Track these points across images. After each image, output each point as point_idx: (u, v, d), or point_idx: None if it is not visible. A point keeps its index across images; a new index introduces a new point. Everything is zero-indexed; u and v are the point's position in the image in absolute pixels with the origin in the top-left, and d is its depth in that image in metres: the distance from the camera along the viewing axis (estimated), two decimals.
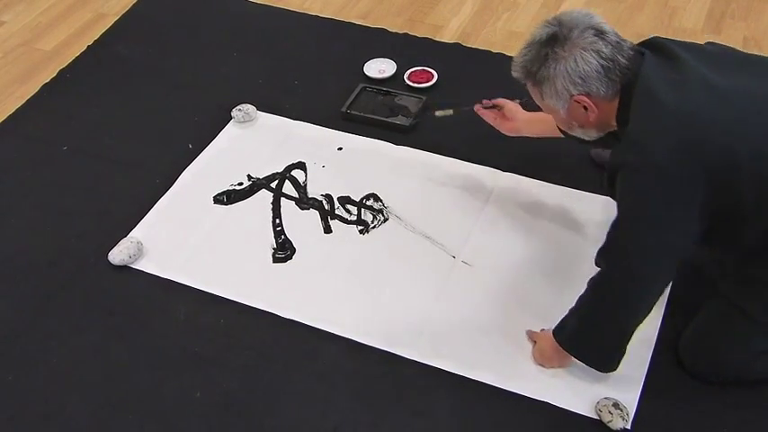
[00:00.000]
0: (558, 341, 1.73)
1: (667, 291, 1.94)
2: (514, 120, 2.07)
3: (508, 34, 2.82)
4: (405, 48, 2.76)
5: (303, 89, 2.63)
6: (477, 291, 1.99)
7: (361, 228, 2.17)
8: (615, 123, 1.60)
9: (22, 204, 2.29)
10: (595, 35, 1.51)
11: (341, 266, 2.07)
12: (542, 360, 1.81)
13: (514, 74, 1.65)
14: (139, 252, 2.10)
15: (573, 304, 1.84)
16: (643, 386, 1.77)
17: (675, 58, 1.53)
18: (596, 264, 1.67)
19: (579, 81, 1.52)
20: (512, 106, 2.07)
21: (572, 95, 1.55)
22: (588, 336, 1.69)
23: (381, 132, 2.43)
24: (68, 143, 2.47)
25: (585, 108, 1.56)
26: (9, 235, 2.20)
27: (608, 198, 2.13)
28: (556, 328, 1.74)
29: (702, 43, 1.67)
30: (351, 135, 2.43)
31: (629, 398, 1.74)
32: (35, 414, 1.80)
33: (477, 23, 2.88)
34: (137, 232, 2.17)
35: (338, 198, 2.25)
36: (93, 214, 2.24)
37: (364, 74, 2.64)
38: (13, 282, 2.08)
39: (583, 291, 1.68)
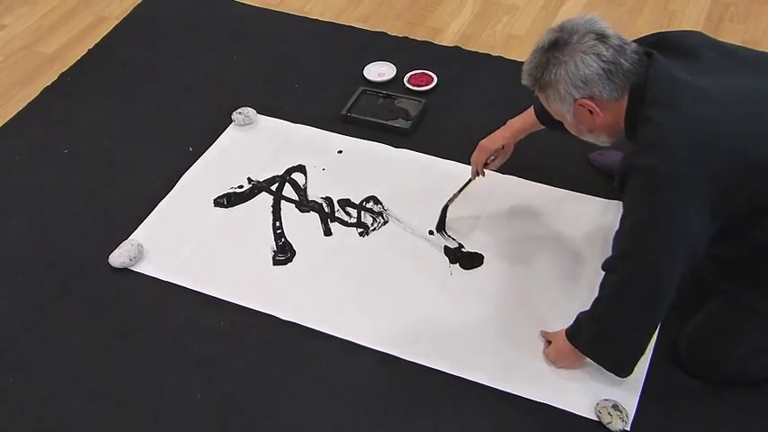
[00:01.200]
0: (575, 345, 1.72)
1: None
2: (508, 145, 2.08)
3: (508, 37, 2.83)
4: (404, 51, 2.76)
5: (303, 92, 2.63)
6: (477, 293, 1.99)
7: (361, 230, 2.17)
8: (624, 126, 1.60)
9: (23, 206, 2.29)
10: (596, 39, 1.51)
11: (341, 269, 2.07)
12: (557, 359, 1.80)
13: (523, 81, 1.65)
14: (140, 254, 2.10)
15: (573, 305, 1.85)
16: (642, 388, 1.77)
17: (685, 57, 1.54)
18: (604, 268, 1.66)
19: (581, 84, 1.53)
20: (506, 145, 2.07)
21: (575, 99, 1.55)
22: (609, 340, 1.68)
23: (381, 135, 2.43)
24: (69, 146, 2.47)
25: (591, 112, 1.56)
26: (10, 237, 2.21)
27: (606, 200, 2.16)
28: (571, 333, 1.73)
29: (705, 34, 1.66)
30: (351, 138, 2.44)
31: (629, 399, 1.75)
32: (35, 416, 1.81)
33: (477, 27, 2.89)
34: (137, 235, 2.17)
35: (338, 201, 2.25)
36: (93, 216, 2.24)
37: (364, 77, 2.64)
38: (13, 283, 2.08)
39: (596, 295, 1.67)
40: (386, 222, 2.19)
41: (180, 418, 1.79)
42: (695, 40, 1.62)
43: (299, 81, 2.67)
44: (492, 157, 2.08)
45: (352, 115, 2.49)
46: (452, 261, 2.07)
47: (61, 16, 3.05)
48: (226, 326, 1.96)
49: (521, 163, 2.30)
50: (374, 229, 2.17)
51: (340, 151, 2.40)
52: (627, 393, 1.76)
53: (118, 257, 2.08)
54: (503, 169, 2.28)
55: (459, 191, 2.11)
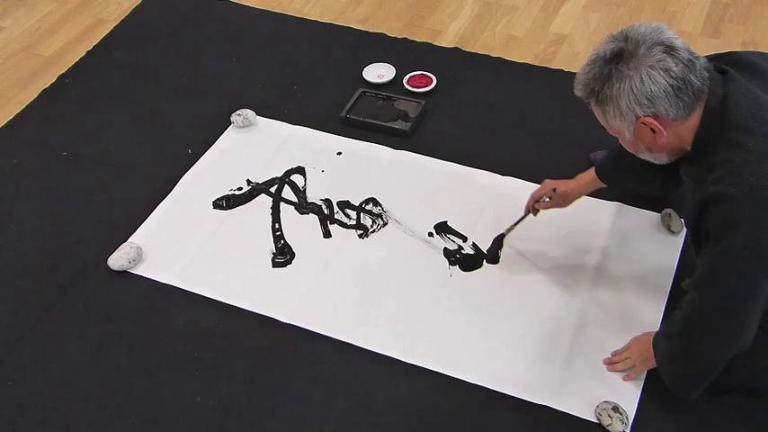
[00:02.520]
0: (654, 355, 1.69)
1: (668, 289, 1.95)
2: (567, 196, 2.01)
3: (507, 39, 2.82)
4: (404, 52, 2.76)
5: (302, 94, 2.63)
6: (476, 294, 1.99)
7: (361, 232, 2.17)
8: (689, 146, 1.50)
9: (22, 210, 2.29)
10: (664, 52, 1.39)
11: (340, 271, 2.07)
12: (641, 360, 1.75)
13: (577, 92, 1.52)
14: (139, 257, 2.10)
15: (573, 306, 1.85)
16: (642, 390, 1.77)
17: (760, 76, 1.45)
18: (687, 287, 1.59)
19: (646, 102, 1.41)
20: (558, 189, 2.00)
21: (638, 117, 1.44)
22: (681, 360, 1.64)
23: (380, 137, 2.43)
24: (68, 148, 2.47)
25: (653, 130, 1.45)
26: (9, 240, 2.21)
27: (604, 202, 2.16)
28: (654, 342, 1.70)
29: None
30: (350, 140, 2.43)
31: (629, 401, 1.74)
32: (34, 419, 1.80)
33: (476, 28, 2.89)
34: (136, 237, 2.17)
35: (337, 202, 2.25)
36: (92, 219, 2.24)
37: (363, 78, 2.64)
38: (12, 287, 2.08)
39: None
40: (385, 224, 2.18)
41: (179, 422, 1.78)
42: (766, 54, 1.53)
43: (298, 83, 2.67)
44: (547, 198, 2.01)
45: (352, 117, 2.49)
46: (452, 263, 2.07)
47: (60, 19, 3.04)
48: (225, 328, 1.95)
49: (521, 163, 2.30)
50: (374, 231, 2.17)
51: (339, 153, 2.40)
52: (627, 395, 1.75)
53: (117, 260, 2.08)
54: (502, 171, 2.29)
55: (514, 224, 2.05)
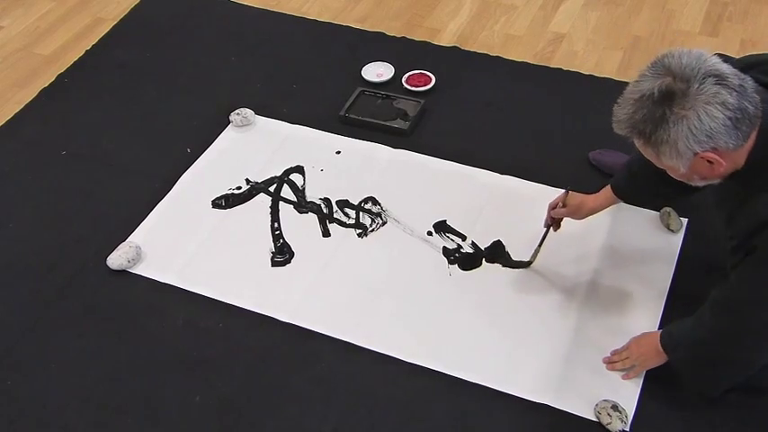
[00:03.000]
0: (670, 358, 1.70)
1: (667, 287, 1.95)
2: (582, 207, 1.95)
3: (506, 37, 2.82)
4: (403, 51, 2.76)
5: (301, 93, 2.63)
6: (475, 293, 1.99)
7: (360, 231, 2.17)
8: (741, 167, 1.45)
9: (21, 209, 2.29)
10: (717, 83, 1.31)
11: (339, 270, 2.07)
12: (641, 360, 1.76)
13: (619, 131, 1.43)
14: (138, 256, 2.10)
15: (572, 305, 1.85)
16: (642, 388, 1.77)
17: None
18: (717, 300, 1.59)
19: (705, 139, 1.33)
20: (571, 200, 1.95)
21: (696, 153, 1.36)
22: (710, 367, 1.67)
23: (379, 136, 2.43)
24: (67, 148, 2.47)
25: (710, 161, 1.38)
26: (8, 239, 2.20)
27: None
28: (668, 344, 1.69)
29: None
30: (349, 138, 2.43)
31: (629, 400, 1.74)
32: (34, 419, 1.80)
33: (475, 27, 2.89)
34: (135, 237, 2.17)
35: (336, 201, 2.25)
36: (91, 219, 2.24)
37: (362, 77, 2.64)
38: (11, 286, 2.08)
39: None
40: (384, 223, 2.18)
41: (179, 421, 1.78)
42: None
43: (297, 82, 2.67)
44: (561, 204, 1.95)
45: (351, 116, 2.49)
46: (451, 262, 2.07)
47: (58, 18, 3.04)
48: (224, 328, 1.95)
49: (520, 162, 2.30)
50: (373, 230, 2.17)
51: (338, 152, 2.40)
52: (626, 394, 1.75)
53: (116, 259, 2.08)
54: (501, 169, 2.28)
55: (538, 246, 2.01)
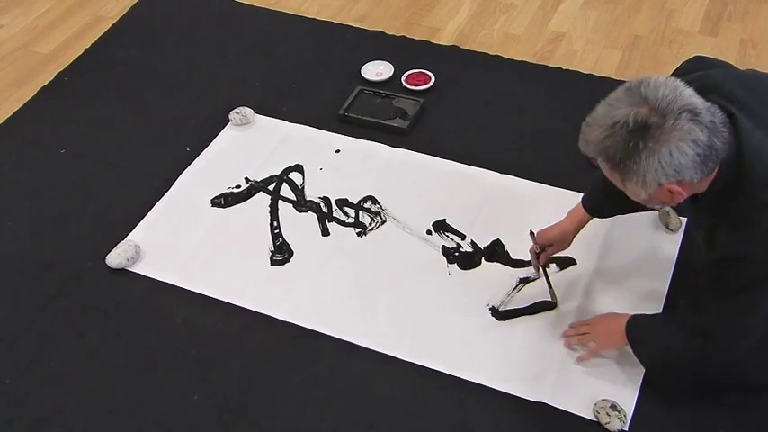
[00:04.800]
0: (633, 349, 1.72)
1: (666, 287, 1.96)
2: (565, 235, 1.93)
3: (505, 37, 2.82)
4: (402, 50, 2.76)
5: (300, 92, 2.63)
6: (475, 293, 1.99)
7: (359, 230, 2.17)
8: (704, 192, 1.47)
9: (20, 207, 2.29)
10: (691, 120, 1.31)
11: (338, 269, 2.07)
12: (602, 339, 1.78)
13: (586, 152, 1.43)
14: (137, 255, 2.10)
15: (571, 305, 1.84)
16: (640, 387, 1.77)
17: (757, 116, 1.43)
18: (696, 315, 1.61)
19: (673, 173, 1.34)
20: (551, 235, 1.93)
21: (661, 184, 1.37)
22: (675, 366, 1.71)
23: (379, 135, 2.43)
24: (66, 146, 2.47)
25: (671, 192, 1.40)
26: (7, 238, 2.20)
27: None
28: (633, 335, 1.71)
29: (747, 71, 1.59)
30: (348, 137, 2.43)
31: (627, 399, 1.74)
32: (33, 418, 1.80)
33: (475, 26, 2.89)
34: (134, 235, 2.17)
35: (336, 200, 2.25)
36: (90, 217, 2.24)
37: (362, 76, 2.64)
38: (10, 285, 2.08)
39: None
40: (384, 222, 2.18)
41: (177, 420, 1.78)
42: (745, 79, 1.52)
43: (296, 81, 2.67)
44: (538, 249, 1.94)
45: (350, 115, 2.49)
46: (450, 261, 2.07)
47: (58, 16, 3.04)
48: (223, 326, 1.95)
49: (519, 161, 2.30)
50: (372, 229, 2.17)
51: (338, 151, 2.40)
52: (625, 393, 1.75)
53: (115, 258, 2.08)
54: (500, 168, 2.28)
55: (550, 286, 1.96)
